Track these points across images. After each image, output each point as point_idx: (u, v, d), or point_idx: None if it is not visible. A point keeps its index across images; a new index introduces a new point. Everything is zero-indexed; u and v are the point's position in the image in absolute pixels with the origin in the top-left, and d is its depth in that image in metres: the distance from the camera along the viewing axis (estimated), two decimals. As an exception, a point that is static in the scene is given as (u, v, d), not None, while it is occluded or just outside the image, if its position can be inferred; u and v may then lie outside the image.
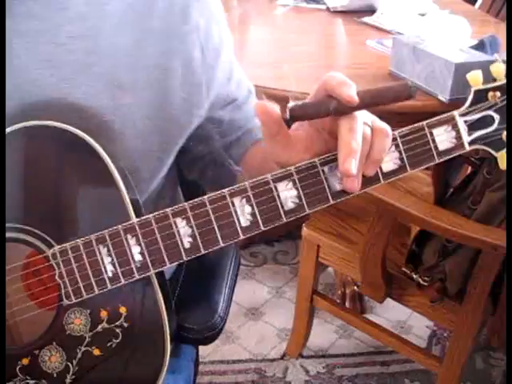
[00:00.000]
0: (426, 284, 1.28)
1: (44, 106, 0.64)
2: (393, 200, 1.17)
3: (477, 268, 1.18)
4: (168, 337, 0.64)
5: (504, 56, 0.63)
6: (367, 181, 0.58)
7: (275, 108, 0.56)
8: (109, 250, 0.60)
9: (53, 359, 0.64)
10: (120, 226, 0.60)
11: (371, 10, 1.98)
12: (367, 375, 1.65)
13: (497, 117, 0.59)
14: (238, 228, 0.59)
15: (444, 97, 1.26)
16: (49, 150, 0.63)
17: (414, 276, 1.29)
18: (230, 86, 0.79)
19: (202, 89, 0.73)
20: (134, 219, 0.61)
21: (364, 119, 0.56)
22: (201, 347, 0.97)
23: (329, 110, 0.55)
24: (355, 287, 1.78)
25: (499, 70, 0.59)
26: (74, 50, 0.65)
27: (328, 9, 2.10)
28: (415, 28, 1.77)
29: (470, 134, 0.59)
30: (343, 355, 1.70)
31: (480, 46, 1.43)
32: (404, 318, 1.80)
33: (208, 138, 0.81)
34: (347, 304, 1.79)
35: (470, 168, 1.26)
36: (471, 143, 0.60)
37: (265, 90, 1.37)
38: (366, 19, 1.94)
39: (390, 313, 1.80)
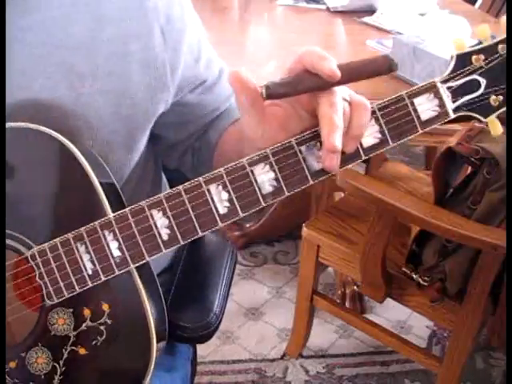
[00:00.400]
0: (425, 284, 1.27)
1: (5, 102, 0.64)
2: (393, 200, 1.17)
3: (477, 268, 1.18)
4: (153, 332, 0.63)
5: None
6: (348, 157, 0.56)
7: (250, 77, 0.54)
8: (87, 247, 0.60)
9: (39, 361, 0.64)
10: (97, 223, 0.59)
11: (371, 10, 1.98)
12: (367, 375, 1.65)
13: (483, 81, 0.56)
14: (216, 216, 0.57)
15: (444, 97, 1.26)
16: (16, 151, 0.63)
17: (414, 276, 1.29)
18: (199, 68, 0.76)
19: (166, 72, 0.71)
20: (110, 213, 0.60)
21: (342, 94, 0.54)
22: (201, 347, 0.97)
23: (307, 87, 0.53)
24: (355, 287, 1.78)
25: (485, 31, 0.56)
26: (27, 43, 0.64)
27: (328, 9, 2.10)
28: (415, 28, 1.77)
29: (454, 101, 0.56)
30: (343, 355, 1.70)
31: (480, 46, 1.43)
32: (404, 318, 1.80)
33: (181, 123, 0.79)
34: (347, 304, 1.78)
35: (470, 168, 1.25)
36: (456, 110, 0.57)
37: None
38: (366, 19, 1.94)
39: (390, 313, 1.80)
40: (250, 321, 1.81)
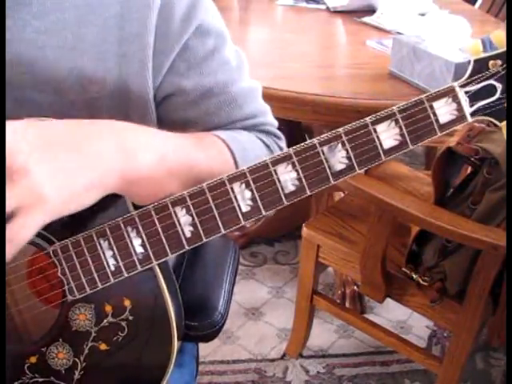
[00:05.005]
0: (425, 284, 1.28)
1: (19, 105, 0.64)
2: (393, 200, 1.17)
3: (477, 268, 1.18)
4: (174, 326, 0.64)
5: (504, 56, 0.63)
6: (368, 159, 0.58)
7: None
8: (110, 244, 0.60)
9: (60, 356, 0.64)
10: (120, 219, 0.60)
11: (371, 10, 1.98)
12: (367, 375, 1.65)
13: (499, 86, 0.58)
14: (239, 214, 0.58)
15: (444, 97, 1.26)
16: None
17: (414, 276, 1.29)
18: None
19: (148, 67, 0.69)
20: (133, 211, 0.60)
21: None
22: (201, 347, 0.97)
23: None
24: (355, 287, 1.78)
25: (500, 37, 0.58)
26: (41, 46, 0.64)
27: (328, 9, 2.10)
28: (415, 28, 1.77)
29: (471, 105, 0.58)
30: (343, 355, 1.70)
31: (480, 46, 1.43)
32: (404, 318, 1.80)
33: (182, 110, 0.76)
34: (347, 304, 1.79)
35: (470, 168, 1.25)
36: (473, 114, 0.59)
37: (265, 90, 1.37)
38: (366, 19, 1.94)
39: (390, 313, 1.80)
40: (250, 321, 1.81)
